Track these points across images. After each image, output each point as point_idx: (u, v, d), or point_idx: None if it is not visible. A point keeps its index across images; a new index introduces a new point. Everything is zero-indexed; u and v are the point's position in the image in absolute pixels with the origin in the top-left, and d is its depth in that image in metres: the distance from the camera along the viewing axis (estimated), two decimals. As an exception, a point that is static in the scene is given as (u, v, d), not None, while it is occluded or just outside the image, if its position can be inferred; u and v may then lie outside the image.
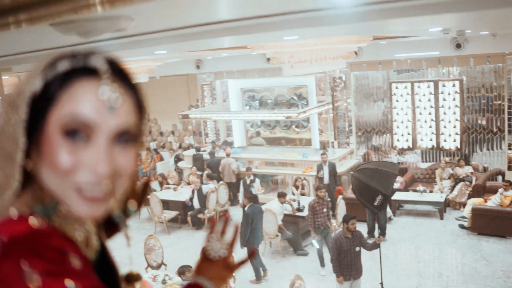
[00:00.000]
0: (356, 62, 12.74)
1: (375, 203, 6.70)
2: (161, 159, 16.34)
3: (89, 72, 0.96)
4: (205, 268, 1.36)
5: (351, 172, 7.33)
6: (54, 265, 0.96)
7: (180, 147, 16.43)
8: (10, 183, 1.00)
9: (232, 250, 1.39)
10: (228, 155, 12.92)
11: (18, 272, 0.93)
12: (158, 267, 8.47)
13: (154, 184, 14.30)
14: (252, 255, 1.44)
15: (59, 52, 0.98)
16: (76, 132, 0.96)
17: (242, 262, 1.40)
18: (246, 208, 8.98)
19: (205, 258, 1.37)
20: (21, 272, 0.93)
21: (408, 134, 13.05)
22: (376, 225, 8.27)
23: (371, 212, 9.28)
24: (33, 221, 0.99)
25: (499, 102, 11.88)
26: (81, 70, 0.96)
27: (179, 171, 14.53)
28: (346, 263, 6.93)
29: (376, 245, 7.02)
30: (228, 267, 1.37)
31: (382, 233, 9.55)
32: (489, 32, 9.45)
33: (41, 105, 0.97)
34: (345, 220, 6.94)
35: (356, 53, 12.28)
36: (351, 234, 6.90)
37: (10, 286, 0.94)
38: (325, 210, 8.74)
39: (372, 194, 6.70)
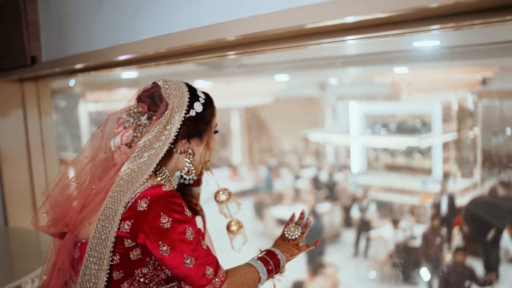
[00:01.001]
0: (486, 90, 12.24)
1: (488, 238, 6.47)
2: (279, 176, 16.73)
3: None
4: (280, 244, 2.09)
5: (466, 205, 7.14)
6: (179, 214, 1.68)
7: (299, 166, 16.71)
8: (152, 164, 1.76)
9: (302, 236, 2.11)
10: (345, 178, 12.98)
11: (158, 218, 1.65)
12: (266, 280, 8.78)
13: (269, 201, 14.73)
14: (317, 244, 2.17)
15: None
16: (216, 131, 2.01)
17: (308, 246, 2.11)
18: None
19: (283, 237, 2.13)
20: (159, 218, 1.65)
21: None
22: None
23: (486, 247, 8.88)
24: (164, 187, 1.71)
25: None
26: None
27: (296, 190, 14.81)
28: (455, 298, 6.77)
29: (488, 283, 6.78)
30: (297, 247, 2.07)
31: (495, 271, 9.05)
32: None
33: (208, 118, 1.93)
34: (455, 252, 6.79)
35: (484, 81, 11.87)
36: (461, 267, 6.73)
37: (154, 227, 1.64)
38: (438, 240, 8.54)
39: (485, 228, 6.50)
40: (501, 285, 9.17)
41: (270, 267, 1.91)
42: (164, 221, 1.64)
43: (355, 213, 11.23)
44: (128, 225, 1.66)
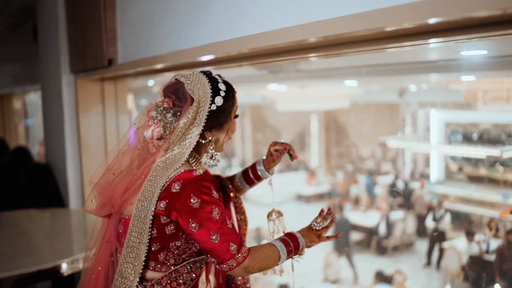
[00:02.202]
0: None
1: None
2: (356, 182, 16.62)
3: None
4: (304, 231, 2.25)
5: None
6: (207, 196, 1.90)
7: (377, 173, 16.52)
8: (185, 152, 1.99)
9: (327, 230, 2.28)
10: (422, 187, 12.72)
11: (189, 199, 1.88)
12: (334, 282, 8.82)
13: (347, 206, 14.67)
14: (337, 236, 2.34)
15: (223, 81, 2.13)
16: (237, 116, 2.19)
17: (328, 238, 2.31)
18: None
19: (309, 227, 2.28)
20: (190, 198, 1.88)
21: None
22: None
23: None
24: (195, 172, 1.93)
25: None
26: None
27: (372, 196, 14.66)
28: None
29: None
30: (319, 236, 2.25)
31: None
32: None
33: (228, 110, 2.08)
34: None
35: None
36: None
37: (185, 206, 1.87)
38: (514, 256, 8.22)
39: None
40: None
41: (290, 248, 2.08)
42: (193, 202, 1.87)
43: (429, 223, 10.97)
44: (163, 204, 1.91)
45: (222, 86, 2.06)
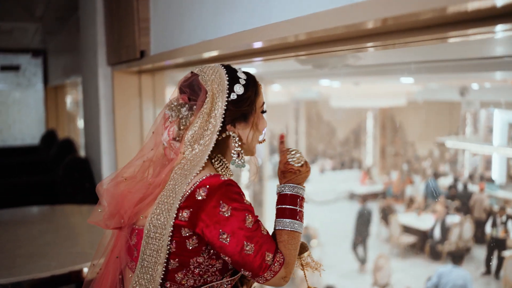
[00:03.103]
0: None
1: None
2: (412, 182, 16.13)
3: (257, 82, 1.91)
4: (287, 177, 1.89)
5: None
6: (238, 203, 1.70)
7: (434, 174, 15.96)
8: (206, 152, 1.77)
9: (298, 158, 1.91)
10: (482, 190, 12.13)
11: (218, 207, 1.67)
12: (383, 286, 8.53)
13: (399, 206, 14.27)
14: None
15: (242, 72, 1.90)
16: (264, 111, 1.92)
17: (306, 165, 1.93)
18: None
19: (287, 167, 1.89)
20: (219, 207, 1.67)
21: None
22: None
23: None
24: (222, 177, 1.71)
25: None
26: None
27: (433, 199, 14.16)
28: None
29: None
30: (308, 170, 1.91)
31: None
32: None
33: (251, 98, 1.85)
34: None
35: None
36: None
37: (214, 215, 1.67)
38: None
39: None
40: None
41: (299, 210, 1.85)
42: (223, 210, 1.67)
43: (488, 229, 10.43)
44: (186, 214, 1.68)
45: (241, 75, 1.85)
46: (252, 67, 5.34)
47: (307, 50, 2.38)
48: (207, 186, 1.68)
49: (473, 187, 13.28)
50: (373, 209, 14.45)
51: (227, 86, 1.79)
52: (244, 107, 1.83)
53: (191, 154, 1.76)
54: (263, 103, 1.92)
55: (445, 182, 14.01)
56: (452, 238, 10.57)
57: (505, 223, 10.38)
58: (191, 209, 1.68)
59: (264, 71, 6.33)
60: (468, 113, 14.93)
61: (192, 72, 1.87)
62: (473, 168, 14.92)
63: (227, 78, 1.80)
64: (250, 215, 1.70)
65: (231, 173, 1.93)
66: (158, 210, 1.72)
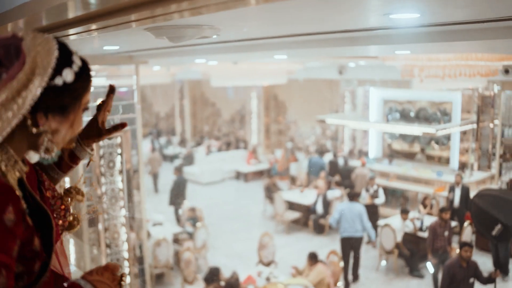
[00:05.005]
0: (510, 81, 11.81)
1: (493, 233, 6.19)
2: (296, 160, 16.55)
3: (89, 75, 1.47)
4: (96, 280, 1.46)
5: (472, 197, 6.83)
6: None
7: (316, 151, 16.49)
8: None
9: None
10: (363, 165, 12.67)
11: None
12: (268, 264, 8.63)
13: (284, 184, 14.58)
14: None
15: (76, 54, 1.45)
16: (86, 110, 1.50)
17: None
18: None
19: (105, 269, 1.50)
20: None
21: None
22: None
23: (494, 243, 8.59)
24: None
25: None
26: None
27: (316, 175, 14.60)
28: (458, 294, 6.52)
29: (491, 280, 6.51)
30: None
31: (502, 268, 8.77)
32: None
33: (79, 92, 1.43)
34: (460, 246, 6.54)
35: (507, 71, 11.42)
36: (466, 263, 6.47)
37: None
38: (446, 233, 8.27)
39: (491, 223, 6.21)
40: (511, 281, 8.90)
41: None
42: None
43: (363, 199, 10.88)
44: None
45: (77, 60, 1.42)
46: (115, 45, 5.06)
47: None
48: None
49: (353, 162, 13.86)
50: (258, 187, 14.68)
51: (54, 66, 1.35)
52: (67, 98, 1.41)
53: None
54: (88, 101, 1.51)
55: (326, 158, 14.49)
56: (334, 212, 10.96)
57: (376, 191, 10.92)
58: None
59: (129, 49, 6.03)
60: (346, 91, 15.52)
61: (14, 33, 1.39)
62: (353, 143, 15.59)
63: (57, 57, 1.36)
64: None
65: (16, 175, 1.39)
66: None
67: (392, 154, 14.28)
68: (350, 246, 8.91)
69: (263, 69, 11.50)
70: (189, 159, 17.35)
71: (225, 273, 7.67)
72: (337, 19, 3.24)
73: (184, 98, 21.92)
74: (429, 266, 8.26)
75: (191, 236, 9.59)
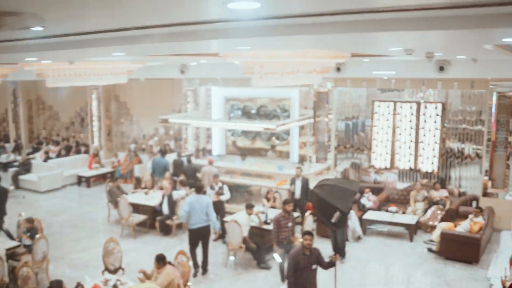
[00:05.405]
0: (341, 77, 12.69)
1: (333, 220, 6.56)
2: (140, 161, 16.19)
3: None
4: None
5: (312, 188, 7.18)
6: None
7: (160, 151, 16.28)
8: None
9: None
10: (211, 163, 12.69)
11: None
12: (115, 271, 8.27)
13: (129, 187, 14.17)
14: None
15: None
16: None
17: None
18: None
19: None
20: None
21: (387, 153, 12.93)
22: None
23: (333, 230, 9.14)
24: None
25: (478, 127, 11.81)
26: None
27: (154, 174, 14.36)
28: (302, 281, 6.75)
29: (332, 264, 6.88)
30: None
31: (340, 251, 9.40)
32: (466, 57, 9.38)
33: None
34: (302, 235, 6.82)
35: (339, 69, 12.25)
36: (308, 251, 6.75)
37: None
38: (290, 224, 8.59)
39: (330, 211, 6.56)
40: (347, 262, 9.56)
41: None
42: None
43: (209, 196, 10.89)
44: None
45: None
46: None
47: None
48: None
49: (198, 161, 13.87)
50: (102, 192, 14.07)
51: None
52: None
53: None
54: None
55: (170, 158, 14.33)
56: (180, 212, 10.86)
57: (221, 188, 11.04)
58: None
59: None
60: (189, 90, 15.51)
61: None
62: (197, 142, 15.63)
63: None
64: None
65: None
66: None
67: (238, 152, 14.59)
68: (200, 237, 9.02)
69: (101, 69, 11.05)
70: (26, 167, 16.09)
71: (69, 285, 7.19)
72: (176, 10, 3.15)
73: (18, 101, 20.40)
74: (276, 257, 8.52)
75: (29, 249, 8.86)
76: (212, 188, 10.99)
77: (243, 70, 7.87)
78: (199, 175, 12.63)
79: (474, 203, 11.56)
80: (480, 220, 9.63)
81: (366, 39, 4.48)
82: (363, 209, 11.43)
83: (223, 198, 10.94)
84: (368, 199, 11.64)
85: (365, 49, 7.25)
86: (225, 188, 11.06)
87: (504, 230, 10.52)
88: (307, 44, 5.69)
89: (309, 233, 6.80)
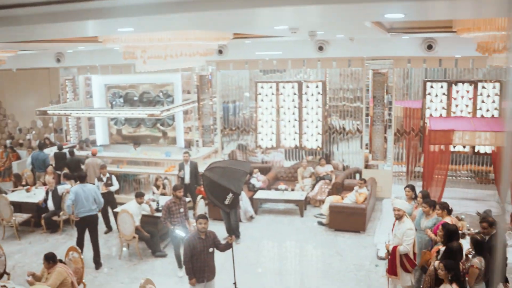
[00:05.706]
0: (223, 60, 12.72)
1: (226, 202, 6.59)
2: (18, 157, 15.24)
3: None
4: None
5: (203, 171, 7.15)
6: None
7: (38, 145, 15.42)
8: None
9: None
10: (94, 155, 12.19)
11: None
12: (0, 277, 7.74)
13: (8, 185, 13.30)
14: None
15: None
16: None
17: None
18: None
19: None
20: None
21: (272, 133, 13.24)
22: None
23: (226, 212, 9.22)
24: None
25: (357, 104, 12.41)
26: None
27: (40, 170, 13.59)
28: (200, 265, 6.73)
29: (229, 245, 6.92)
30: None
31: (235, 232, 9.54)
32: (345, 36, 9.78)
33: None
34: (196, 219, 6.80)
35: (221, 51, 12.27)
36: (204, 234, 6.74)
37: None
38: (182, 210, 8.53)
39: (223, 193, 6.59)
40: (242, 242, 9.71)
41: None
42: None
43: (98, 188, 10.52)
44: None
45: None
46: None
47: None
48: None
49: (81, 152, 13.29)
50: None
51: None
52: None
53: None
54: None
55: (51, 151, 13.60)
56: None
57: (110, 179, 10.70)
58: None
59: None
60: (67, 80, 14.76)
61: None
62: (79, 133, 14.96)
63: None
64: None
65: None
66: None
67: (123, 141, 14.19)
68: (87, 225, 8.78)
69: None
70: None
71: None
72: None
73: None
74: (179, 232, 8.27)
75: None
76: (100, 179, 10.62)
77: (124, 55, 7.61)
78: (83, 167, 12.12)
79: (357, 176, 12.21)
80: (364, 191, 10.18)
81: (246, 16, 4.45)
82: (253, 189, 11.64)
83: (113, 189, 10.64)
84: (257, 179, 11.85)
85: (252, 29, 7.30)
86: (113, 179, 10.75)
87: (385, 198, 11.24)
88: (189, 24, 5.56)
89: (203, 216, 6.78)
